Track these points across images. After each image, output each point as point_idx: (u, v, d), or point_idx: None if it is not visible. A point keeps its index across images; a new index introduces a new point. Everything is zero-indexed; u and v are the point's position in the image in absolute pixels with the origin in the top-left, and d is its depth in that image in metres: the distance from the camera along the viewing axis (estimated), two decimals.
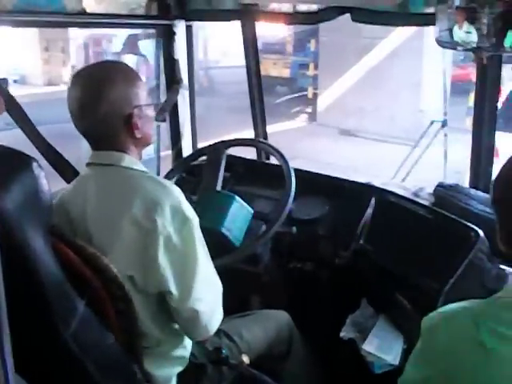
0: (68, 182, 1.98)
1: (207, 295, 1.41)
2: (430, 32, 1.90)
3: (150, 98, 1.53)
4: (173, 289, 1.35)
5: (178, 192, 1.40)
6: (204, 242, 1.42)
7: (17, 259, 1.00)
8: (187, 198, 2.04)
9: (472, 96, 2.24)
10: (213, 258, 1.46)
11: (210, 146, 2.14)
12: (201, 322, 1.41)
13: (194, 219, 1.39)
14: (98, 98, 1.39)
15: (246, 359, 1.70)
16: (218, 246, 1.82)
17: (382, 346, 1.85)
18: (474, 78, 2.05)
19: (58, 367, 1.21)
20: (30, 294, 1.09)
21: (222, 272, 1.51)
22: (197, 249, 1.38)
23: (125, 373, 1.32)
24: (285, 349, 1.85)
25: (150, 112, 1.51)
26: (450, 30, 1.79)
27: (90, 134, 1.45)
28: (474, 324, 0.96)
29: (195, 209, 1.91)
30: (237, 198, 1.89)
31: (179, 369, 1.49)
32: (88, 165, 1.48)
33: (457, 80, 9.49)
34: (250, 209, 1.90)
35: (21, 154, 1.12)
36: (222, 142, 2.11)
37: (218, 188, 1.97)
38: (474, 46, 1.71)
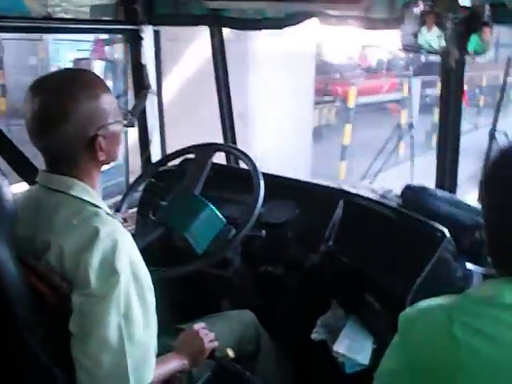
0: (27, 181, 1.95)
1: (104, 357, 1.22)
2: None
3: (117, 112, 1.38)
4: (72, 328, 1.23)
5: (118, 239, 1.26)
6: (132, 297, 1.25)
7: None
8: (156, 204, 2.06)
9: None
10: (179, 263, 1.44)
11: (186, 149, 2.13)
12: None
13: (123, 274, 1.23)
14: (59, 118, 1.26)
15: (230, 353, 1.68)
16: (181, 250, 1.82)
17: (352, 347, 1.86)
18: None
19: (26, 376, 1.19)
20: None
21: (191, 275, 1.51)
22: (114, 304, 1.22)
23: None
24: (253, 348, 1.85)
25: (118, 127, 1.38)
26: (415, 35, 1.83)
27: (48, 153, 1.34)
28: (447, 318, 0.99)
29: (165, 211, 1.93)
30: (211, 206, 1.87)
31: None
32: (37, 184, 1.38)
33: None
34: (222, 219, 1.87)
35: None
36: (210, 144, 2.10)
37: (197, 192, 1.95)
38: (440, 49, 1.74)
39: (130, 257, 1.28)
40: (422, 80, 11.67)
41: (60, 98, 1.27)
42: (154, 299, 1.33)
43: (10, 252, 1.09)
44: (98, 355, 1.21)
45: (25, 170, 2.06)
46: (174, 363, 1.51)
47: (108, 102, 1.34)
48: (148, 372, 1.30)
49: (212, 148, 2.09)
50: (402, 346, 1.06)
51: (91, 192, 1.35)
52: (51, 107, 1.27)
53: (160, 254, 1.39)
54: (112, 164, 2.21)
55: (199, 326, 1.64)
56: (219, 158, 2.46)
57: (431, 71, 11.57)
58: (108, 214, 1.34)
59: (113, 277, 1.23)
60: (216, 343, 1.63)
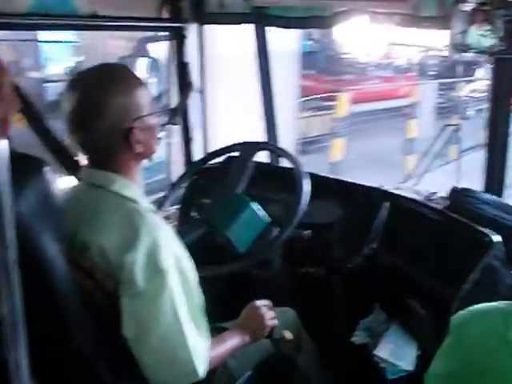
0: (70, 173, 1.98)
1: (165, 350, 1.28)
2: None
3: (153, 105, 1.41)
4: (127, 332, 1.25)
5: (160, 235, 1.28)
6: (179, 294, 1.28)
7: (31, 263, 0.99)
8: (198, 202, 2.07)
9: None
10: (221, 262, 1.44)
11: (228, 148, 2.13)
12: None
13: (169, 271, 1.26)
14: (96, 112, 1.29)
15: (288, 335, 1.70)
16: (223, 249, 1.82)
17: (394, 352, 1.83)
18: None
19: (71, 370, 1.21)
20: (44, 298, 1.08)
21: (233, 275, 1.51)
22: (164, 302, 1.25)
23: (136, 373, 1.30)
24: (293, 346, 1.81)
25: (154, 121, 1.41)
26: (464, 33, 1.78)
27: (86, 148, 1.37)
28: (504, 322, 0.97)
29: (208, 209, 1.93)
30: (253, 204, 1.86)
31: None
32: (80, 179, 1.42)
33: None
34: (265, 218, 1.86)
35: (33, 158, 1.11)
36: (252, 142, 2.09)
37: (239, 191, 1.94)
38: (490, 48, 1.69)
39: (173, 252, 1.29)
40: (440, 83, 11.56)
41: (95, 91, 1.31)
42: (198, 291, 1.37)
43: (60, 248, 1.10)
44: (159, 350, 1.26)
45: (72, 167, 2.09)
46: (235, 340, 1.55)
47: (142, 95, 1.36)
48: (203, 347, 1.34)
49: (255, 146, 2.08)
50: (453, 349, 1.04)
51: (131, 187, 1.37)
52: (87, 101, 1.30)
53: (202, 252, 1.40)
54: (155, 160, 2.26)
55: (261, 302, 1.66)
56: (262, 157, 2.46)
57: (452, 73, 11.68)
58: (148, 209, 1.35)
59: (159, 275, 1.25)
60: (276, 321, 1.65)
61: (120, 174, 1.37)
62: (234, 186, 1.95)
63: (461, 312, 1.08)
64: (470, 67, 13.20)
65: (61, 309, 1.12)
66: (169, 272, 1.26)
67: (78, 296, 1.16)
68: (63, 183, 1.50)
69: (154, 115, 1.40)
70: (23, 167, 1.03)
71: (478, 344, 0.99)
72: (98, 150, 1.36)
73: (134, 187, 1.38)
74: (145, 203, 1.38)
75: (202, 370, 1.32)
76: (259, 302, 1.65)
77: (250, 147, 2.07)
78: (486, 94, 11.37)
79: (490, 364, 0.96)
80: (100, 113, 1.29)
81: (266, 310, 1.64)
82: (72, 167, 2.10)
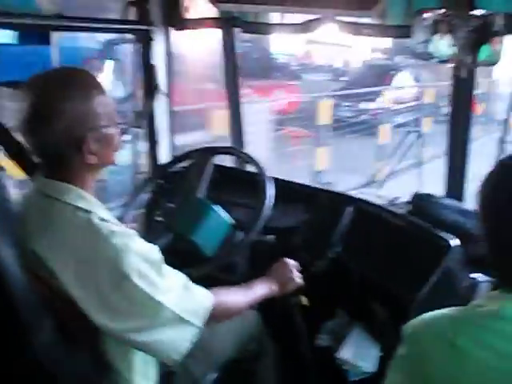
0: (28, 174, 1.95)
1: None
2: None
3: (113, 114, 1.33)
4: (132, 343, 1.28)
5: (118, 241, 1.24)
6: (155, 280, 1.27)
7: None
8: (163, 205, 2.05)
9: None
10: (186, 266, 1.44)
11: (197, 150, 2.13)
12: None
13: (135, 273, 1.24)
14: (48, 115, 1.23)
15: (305, 301, 1.84)
16: (190, 254, 1.82)
17: (357, 354, 1.86)
18: None
19: (28, 379, 1.18)
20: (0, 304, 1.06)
21: (197, 280, 1.50)
22: (141, 302, 1.25)
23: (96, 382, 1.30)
24: (255, 348, 1.84)
25: (112, 131, 1.33)
26: (426, 42, 1.83)
27: (39, 151, 1.31)
28: (452, 329, 0.98)
29: (172, 213, 1.93)
30: (216, 207, 1.87)
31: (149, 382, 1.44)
32: (30, 191, 1.37)
33: None
34: (229, 220, 1.88)
35: None
36: (208, 148, 2.10)
37: (200, 195, 1.95)
38: (451, 57, 1.74)
39: (135, 252, 1.26)
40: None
41: (50, 95, 1.25)
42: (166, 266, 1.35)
43: (14, 253, 1.08)
44: (152, 334, 1.27)
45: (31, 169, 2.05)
46: (263, 288, 1.63)
47: (102, 103, 1.30)
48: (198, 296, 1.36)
49: (215, 151, 2.09)
50: (406, 358, 1.05)
51: (85, 197, 1.32)
52: (40, 104, 1.25)
53: (167, 257, 1.39)
54: (122, 164, 2.24)
55: (293, 262, 1.77)
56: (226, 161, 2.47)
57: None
58: (103, 218, 1.30)
59: (126, 281, 1.23)
60: (302, 282, 1.76)
61: (74, 184, 1.32)
62: (194, 191, 1.95)
63: (412, 321, 1.09)
64: (385, 74, 12.48)
65: (16, 316, 1.10)
66: (135, 272, 1.24)
67: (34, 302, 1.14)
68: (18, 186, 1.46)
69: (114, 124, 1.34)
70: None
71: (429, 351, 1.00)
72: (50, 157, 1.30)
73: (88, 197, 1.33)
74: (101, 212, 1.32)
75: (197, 319, 1.34)
76: (290, 260, 1.76)
77: (211, 151, 2.08)
78: (409, 103, 10.93)
79: (441, 370, 0.97)
80: (52, 117, 1.24)
81: (296, 269, 1.75)
82: (30, 169, 2.06)
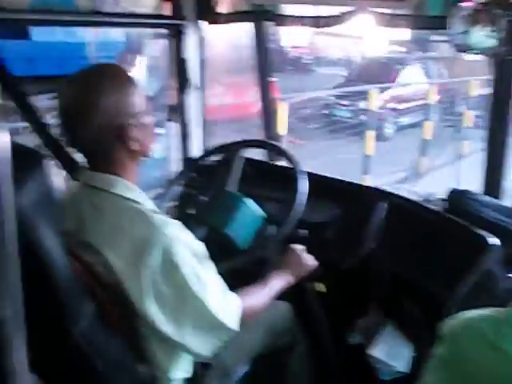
0: (72, 177, 1.97)
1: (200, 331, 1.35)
2: None
3: (147, 104, 1.41)
4: (169, 334, 1.31)
5: (170, 231, 1.29)
6: (201, 277, 1.32)
7: (31, 256, 0.99)
8: (196, 199, 2.05)
9: None
10: (220, 259, 1.44)
11: (222, 146, 2.13)
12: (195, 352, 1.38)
13: (185, 265, 1.29)
14: (87, 109, 1.29)
15: (322, 288, 1.85)
16: (224, 247, 1.81)
17: (389, 353, 1.83)
18: None
19: (68, 365, 1.20)
20: (43, 292, 1.08)
21: (229, 273, 1.50)
22: (191, 294, 1.30)
23: (132, 373, 1.31)
24: (287, 340, 1.83)
25: (148, 119, 1.40)
26: (464, 33, 1.77)
27: (81, 146, 1.36)
28: (493, 331, 0.96)
29: (205, 206, 1.93)
30: (247, 200, 1.86)
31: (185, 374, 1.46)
32: (78, 184, 1.41)
33: None
34: (262, 213, 1.86)
35: (34, 151, 1.11)
36: (238, 142, 2.09)
37: (231, 189, 1.95)
38: (492, 49, 1.68)
39: (184, 243, 1.31)
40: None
41: (87, 90, 1.31)
42: (211, 264, 1.41)
43: (59, 240, 1.09)
44: (195, 330, 1.32)
45: (70, 165, 2.08)
46: (280, 281, 1.66)
47: (135, 93, 1.36)
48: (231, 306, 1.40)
49: (247, 144, 2.07)
50: (444, 358, 1.03)
51: (132, 188, 1.37)
52: (78, 100, 1.31)
53: None
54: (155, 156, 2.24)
55: (300, 246, 1.79)
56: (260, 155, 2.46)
57: None
58: (152, 209, 1.36)
59: (177, 271, 1.27)
60: (316, 262, 1.78)
61: (119, 175, 1.37)
62: (227, 185, 1.95)
63: (452, 320, 1.06)
64: (390, 69, 10.95)
65: (60, 302, 1.11)
66: (185, 264, 1.28)
67: (77, 289, 1.16)
68: (61, 180, 1.49)
69: (148, 114, 1.40)
70: (24, 160, 1.03)
71: (468, 353, 0.98)
72: (94, 150, 1.35)
73: (134, 188, 1.38)
74: (148, 203, 1.38)
75: (234, 323, 1.39)
76: (297, 246, 1.78)
77: (243, 145, 2.07)
78: (415, 102, 9.96)
79: (481, 372, 0.95)
80: (91, 111, 1.29)
81: (305, 253, 1.78)
82: (69, 166, 2.09)
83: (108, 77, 1.34)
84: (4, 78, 1.91)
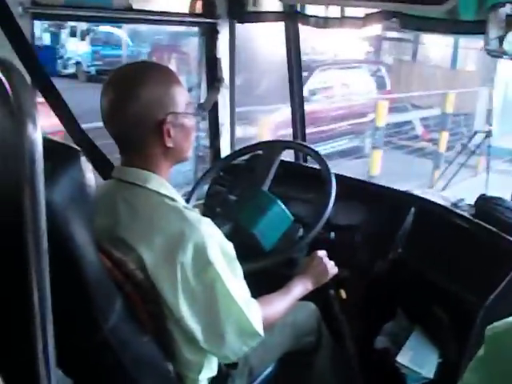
0: (103, 176, 1.99)
1: (233, 331, 1.34)
2: None
3: (190, 107, 1.39)
4: (197, 334, 1.30)
5: (204, 229, 1.29)
6: (230, 277, 1.32)
7: (62, 251, 1.00)
8: (224, 197, 2.06)
9: None
10: (245, 259, 1.44)
11: (265, 143, 2.13)
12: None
13: (216, 263, 1.28)
14: (129, 98, 1.30)
15: (343, 294, 1.84)
16: (248, 247, 1.82)
17: (416, 359, 1.81)
18: None
19: (96, 361, 1.21)
20: (73, 287, 1.09)
21: (255, 273, 1.51)
22: (221, 292, 1.29)
23: (159, 371, 1.31)
24: (313, 340, 1.83)
25: (188, 122, 1.38)
26: (500, 39, 1.75)
27: (120, 137, 1.36)
28: None
29: (233, 205, 1.93)
30: (279, 202, 1.86)
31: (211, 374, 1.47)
32: (114, 178, 1.41)
33: None
34: (290, 216, 1.86)
35: (69, 147, 1.12)
36: (279, 141, 2.10)
37: (265, 188, 1.95)
38: None
39: (217, 241, 1.31)
40: None
41: (128, 82, 1.32)
42: (238, 265, 1.40)
43: (90, 236, 1.10)
44: (225, 332, 1.32)
45: (102, 166, 2.09)
46: (299, 288, 1.63)
47: (179, 93, 1.35)
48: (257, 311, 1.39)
49: (282, 145, 2.08)
50: (488, 362, 1.02)
51: (166, 185, 1.38)
52: (122, 89, 1.32)
53: None
54: None
55: (322, 252, 1.74)
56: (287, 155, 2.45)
57: None
58: (185, 206, 1.36)
59: (209, 268, 1.27)
60: (336, 269, 1.74)
61: (153, 171, 1.37)
62: (259, 184, 1.95)
63: (496, 323, 1.05)
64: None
65: (89, 298, 1.12)
66: (217, 261, 1.28)
67: (107, 286, 1.17)
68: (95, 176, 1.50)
69: (190, 117, 1.39)
70: (58, 156, 1.04)
71: (510, 352, 0.97)
72: (130, 143, 1.35)
73: (168, 185, 1.39)
74: (181, 200, 1.38)
75: (261, 330, 1.38)
76: (320, 252, 1.73)
77: (276, 145, 2.07)
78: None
79: None
80: (132, 100, 1.30)
81: (327, 259, 1.73)
82: (102, 166, 2.10)
83: (153, 70, 1.36)
84: (36, 74, 1.93)
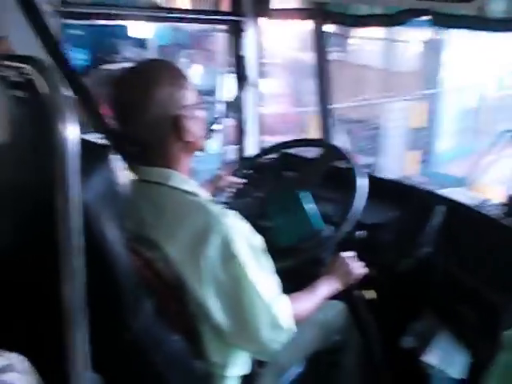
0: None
1: (264, 322, 1.33)
2: None
3: (199, 98, 1.42)
4: (224, 327, 1.31)
5: (228, 221, 1.29)
6: (256, 271, 1.31)
7: (93, 249, 1.01)
8: (251, 194, 2.06)
9: None
10: (275, 257, 1.44)
11: (284, 143, 2.12)
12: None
13: (242, 255, 1.28)
14: (144, 99, 1.31)
15: (373, 295, 1.84)
16: (275, 245, 1.81)
17: (444, 359, 1.80)
18: None
19: (126, 360, 1.22)
20: (103, 285, 1.09)
21: (282, 271, 1.51)
22: (246, 284, 1.29)
23: (189, 369, 1.32)
24: (340, 339, 1.82)
25: (200, 113, 1.41)
26: None
27: (137, 139, 1.36)
28: None
29: (260, 203, 1.93)
30: (309, 200, 1.86)
31: (241, 371, 1.47)
32: (136, 181, 1.41)
33: None
34: (318, 213, 1.85)
35: (100, 145, 1.13)
36: (296, 140, 2.09)
37: (291, 187, 1.94)
38: None
39: (242, 234, 1.31)
40: None
41: (139, 83, 1.33)
42: (268, 258, 1.39)
43: (121, 235, 1.11)
44: (252, 328, 1.31)
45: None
46: (326, 288, 1.62)
47: (188, 86, 1.38)
48: (285, 307, 1.38)
49: (312, 144, 2.07)
50: (508, 365, 1.01)
51: (188, 181, 1.38)
52: (135, 90, 1.32)
53: None
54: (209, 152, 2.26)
55: (348, 253, 1.73)
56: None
57: None
58: (209, 200, 1.37)
59: (235, 261, 1.27)
60: (364, 269, 1.72)
61: (174, 169, 1.38)
62: (285, 182, 1.95)
63: None
64: None
65: (120, 297, 1.13)
66: (242, 254, 1.28)
67: (137, 284, 1.17)
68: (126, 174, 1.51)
69: (201, 107, 1.42)
70: (90, 154, 1.04)
71: None
72: (148, 143, 1.36)
73: (190, 181, 1.40)
74: (204, 194, 1.39)
75: (291, 325, 1.38)
76: (346, 253, 1.73)
77: (301, 144, 2.07)
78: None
79: None
80: (148, 101, 1.31)
81: (353, 260, 1.72)
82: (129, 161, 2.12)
83: (162, 69, 1.37)
84: (67, 73, 1.95)
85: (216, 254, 1.27)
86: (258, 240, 1.37)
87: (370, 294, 1.86)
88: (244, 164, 2.26)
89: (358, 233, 1.90)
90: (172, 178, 1.36)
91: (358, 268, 1.71)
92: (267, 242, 1.44)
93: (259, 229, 1.77)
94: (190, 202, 1.34)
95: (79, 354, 0.94)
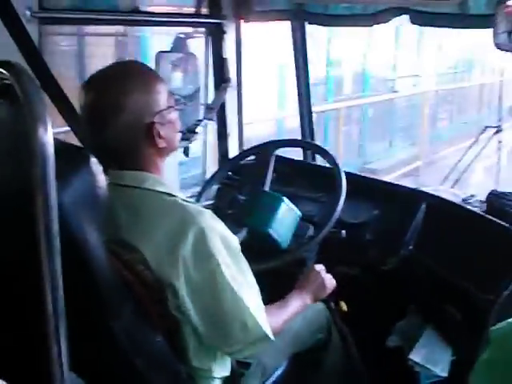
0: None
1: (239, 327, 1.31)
2: None
3: (171, 100, 1.40)
4: (200, 328, 1.30)
5: (204, 220, 1.27)
6: (233, 271, 1.29)
7: (72, 252, 1.00)
8: (233, 197, 2.06)
9: None
10: (259, 259, 1.44)
11: (260, 145, 2.13)
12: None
13: (218, 254, 1.27)
14: (114, 108, 1.28)
15: (344, 307, 1.81)
16: (265, 246, 1.81)
17: (429, 357, 1.80)
18: None
19: (108, 362, 1.21)
20: (83, 288, 1.09)
21: (266, 273, 1.51)
22: (222, 285, 1.27)
23: (171, 371, 1.31)
24: (323, 338, 1.82)
25: (173, 115, 1.39)
26: (508, 33, 1.74)
27: (110, 147, 1.32)
28: None
29: (243, 207, 1.93)
30: (285, 199, 1.86)
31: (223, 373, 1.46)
32: (109, 185, 1.36)
33: None
34: (298, 211, 1.87)
35: (80, 148, 1.12)
36: (272, 142, 2.10)
37: (266, 188, 1.95)
38: None
39: (218, 233, 1.29)
40: None
41: (112, 89, 1.30)
42: (244, 260, 1.37)
43: (101, 238, 1.10)
44: (230, 329, 1.30)
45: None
46: (297, 302, 1.58)
47: (160, 90, 1.35)
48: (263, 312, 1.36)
49: (288, 144, 2.07)
50: (494, 364, 1.01)
51: (163, 182, 1.37)
52: (104, 101, 1.29)
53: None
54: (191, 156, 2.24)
55: (319, 266, 1.70)
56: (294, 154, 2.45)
57: None
58: (185, 200, 1.35)
59: (211, 260, 1.26)
60: (334, 282, 1.70)
61: (147, 171, 1.36)
62: (263, 184, 1.96)
63: (500, 324, 1.04)
64: None
65: (100, 298, 1.12)
66: (218, 253, 1.27)
67: (117, 286, 1.16)
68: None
69: (173, 110, 1.39)
70: (68, 158, 1.04)
71: None
72: (121, 150, 1.34)
73: (165, 182, 1.38)
74: (180, 195, 1.38)
75: (268, 328, 1.35)
76: (318, 266, 1.70)
77: (281, 145, 2.07)
78: None
79: None
80: (117, 111, 1.28)
81: (325, 273, 1.69)
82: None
83: (132, 75, 1.34)
84: (44, 78, 1.93)
85: (191, 253, 1.25)
86: (235, 240, 1.36)
87: (343, 307, 1.84)
88: (225, 166, 2.25)
89: (340, 232, 1.91)
90: (147, 180, 1.35)
91: (329, 281, 1.69)
92: (249, 243, 1.44)
93: (239, 230, 1.78)
94: (166, 202, 1.32)
95: (60, 357, 0.93)
